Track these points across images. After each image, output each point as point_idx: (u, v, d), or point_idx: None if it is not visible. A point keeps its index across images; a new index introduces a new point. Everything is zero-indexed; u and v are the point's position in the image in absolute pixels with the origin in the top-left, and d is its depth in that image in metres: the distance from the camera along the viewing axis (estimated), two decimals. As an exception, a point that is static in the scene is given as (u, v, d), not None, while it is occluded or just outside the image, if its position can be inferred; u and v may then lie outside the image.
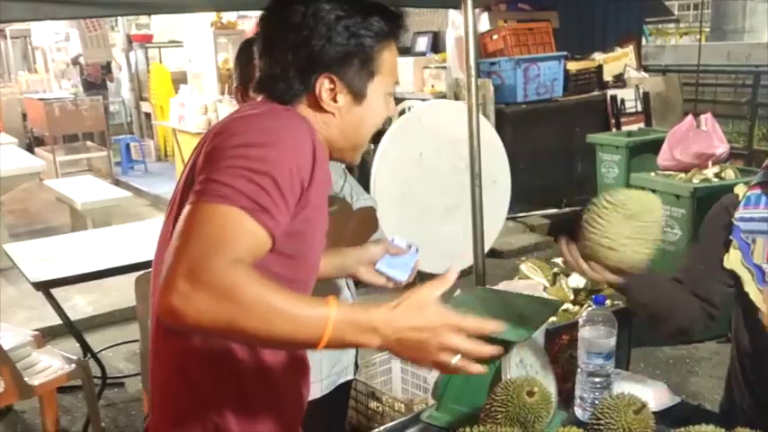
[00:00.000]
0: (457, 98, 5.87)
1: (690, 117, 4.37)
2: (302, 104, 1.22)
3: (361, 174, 6.44)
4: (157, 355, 1.26)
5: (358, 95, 1.22)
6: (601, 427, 1.32)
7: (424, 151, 4.23)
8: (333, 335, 0.96)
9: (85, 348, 3.43)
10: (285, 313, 0.95)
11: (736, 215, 1.59)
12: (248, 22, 9.05)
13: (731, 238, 1.58)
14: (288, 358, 1.27)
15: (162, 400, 1.28)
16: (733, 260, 1.57)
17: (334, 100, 1.21)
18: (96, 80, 10.70)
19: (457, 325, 1.02)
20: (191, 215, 1.01)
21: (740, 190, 1.67)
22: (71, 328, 3.39)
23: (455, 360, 1.02)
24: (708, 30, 11.34)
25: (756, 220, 1.57)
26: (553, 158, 6.28)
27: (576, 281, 2.92)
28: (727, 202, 1.66)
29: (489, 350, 1.05)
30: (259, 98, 1.26)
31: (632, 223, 1.37)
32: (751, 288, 1.56)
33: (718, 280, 1.62)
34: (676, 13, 12.29)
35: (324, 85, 1.20)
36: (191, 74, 8.38)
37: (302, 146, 1.11)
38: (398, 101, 6.71)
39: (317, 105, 1.22)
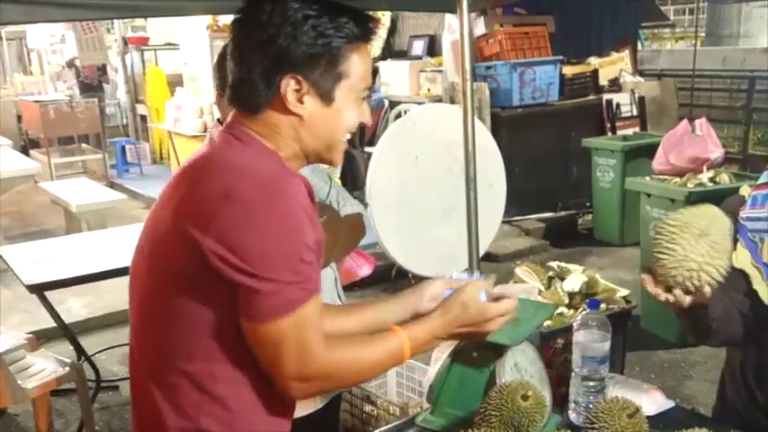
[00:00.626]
0: (453, 102, 5.89)
1: (685, 122, 4.39)
2: (269, 109, 1.18)
3: (353, 177, 6.45)
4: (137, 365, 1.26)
5: (326, 98, 1.18)
6: (594, 431, 1.32)
7: (420, 155, 4.23)
8: (409, 355, 1.22)
9: (79, 351, 3.42)
10: (373, 362, 1.20)
11: (743, 214, 1.59)
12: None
13: (738, 237, 1.57)
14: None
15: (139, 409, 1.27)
16: (742, 259, 1.57)
17: (301, 101, 1.17)
18: (92, 82, 10.69)
19: (493, 314, 1.29)
20: (266, 337, 1.09)
21: (745, 191, 1.66)
22: (65, 331, 3.38)
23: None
24: (703, 35, 11.38)
25: (763, 219, 1.57)
26: (549, 162, 6.30)
27: (571, 284, 2.91)
28: (731, 206, 1.65)
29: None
30: (230, 114, 1.23)
31: (706, 240, 1.33)
32: (760, 287, 1.55)
33: (735, 287, 1.61)
34: (672, 17, 12.35)
35: (289, 86, 1.15)
36: (186, 76, 8.38)
37: (304, 218, 1.09)
38: (394, 104, 6.74)
39: (284, 108, 1.17)
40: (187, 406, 1.16)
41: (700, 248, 1.33)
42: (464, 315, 1.27)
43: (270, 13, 1.13)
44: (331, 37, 1.15)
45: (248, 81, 1.16)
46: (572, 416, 1.56)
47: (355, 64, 1.19)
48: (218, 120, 1.90)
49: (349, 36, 1.17)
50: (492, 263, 5.43)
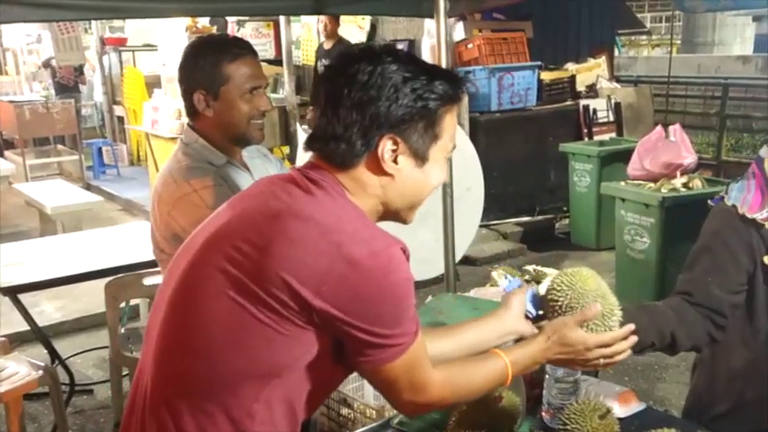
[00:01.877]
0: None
1: (659, 128, 4.46)
2: (361, 165, 1.18)
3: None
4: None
5: (420, 158, 1.19)
6: (567, 433, 1.34)
7: (399, 158, 4.25)
8: (511, 376, 1.28)
9: (53, 355, 3.39)
10: (480, 386, 1.27)
11: None
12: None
13: None
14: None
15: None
16: None
17: (395, 162, 1.18)
18: (68, 83, 10.57)
19: (591, 344, 1.31)
20: (380, 377, 1.17)
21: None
22: (38, 335, 3.34)
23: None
24: (679, 42, 11.58)
25: None
26: (526, 167, 6.35)
27: (546, 288, 2.94)
28: (734, 209, 1.63)
29: (623, 354, 1.34)
30: (311, 159, 1.22)
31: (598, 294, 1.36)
32: None
33: (728, 290, 1.63)
34: (648, 25, 12.53)
35: (387, 146, 1.16)
36: (164, 78, 8.31)
37: (410, 283, 1.14)
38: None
39: (376, 167, 1.18)
40: None
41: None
42: (564, 343, 1.31)
43: (370, 74, 1.14)
44: (428, 99, 1.17)
45: (344, 138, 1.15)
46: (546, 418, 1.58)
47: (447, 124, 1.21)
48: (189, 124, 1.89)
49: (444, 97, 1.18)
50: (469, 266, 5.46)
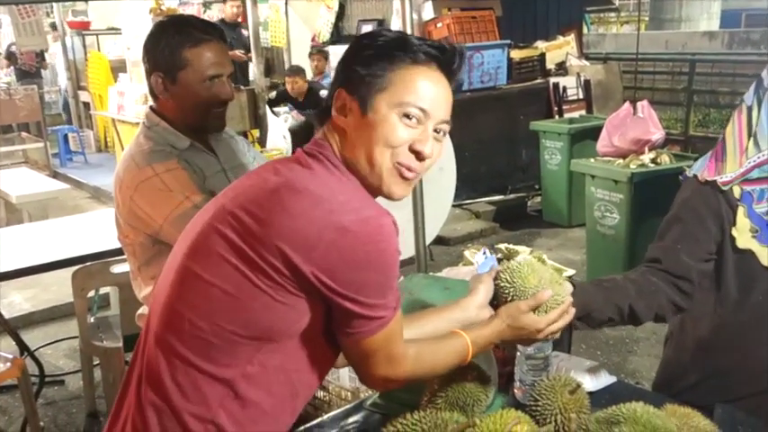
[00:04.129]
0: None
1: (627, 104, 4.49)
2: (328, 126, 1.25)
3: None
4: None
5: (364, 107, 1.20)
6: (538, 408, 1.35)
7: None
8: (472, 353, 1.33)
9: (22, 346, 3.33)
10: (445, 361, 1.31)
11: (759, 209, 1.60)
12: (190, 8, 8.87)
13: (748, 217, 1.61)
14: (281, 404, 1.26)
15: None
16: (747, 240, 1.61)
17: (344, 114, 1.21)
18: (30, 69, 10.32)
19: (542, 326, 1.36)
20: (360, 350, 1.20)
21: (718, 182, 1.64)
22: (5, 326, 3.28)
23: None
24: (647, 19, 11.65)
25: None
26: (498, 146, 6.37)
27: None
28: (704, 182, 1.65)
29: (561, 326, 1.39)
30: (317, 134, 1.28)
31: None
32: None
33: (697, 258, 1.66)
34: (617, 2, 12.56)
35: (339, 98, 1.22)
36: (130, 62, 8.16)
37: (397, 255, 1.17)
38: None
39: (335, 124, 1.23)
40: (210, 395, 1.16)
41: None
42: (518, 325, 1.36)
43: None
44: (376, 57, 1.20)
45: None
46: (518, 394, 1.59)
47: (399, 80, 1.20)
48: (151, 107, 1.85)
49: (390, 56, 1.20)
50: (443, 246, 5.48)
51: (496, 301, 1.41)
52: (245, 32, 7.15)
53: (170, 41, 1.75)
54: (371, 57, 1.20)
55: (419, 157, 1.21)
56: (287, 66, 8.65)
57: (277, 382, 1.20)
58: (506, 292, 1.38)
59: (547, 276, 1.39)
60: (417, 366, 1.26)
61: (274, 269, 1.11)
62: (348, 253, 1.11)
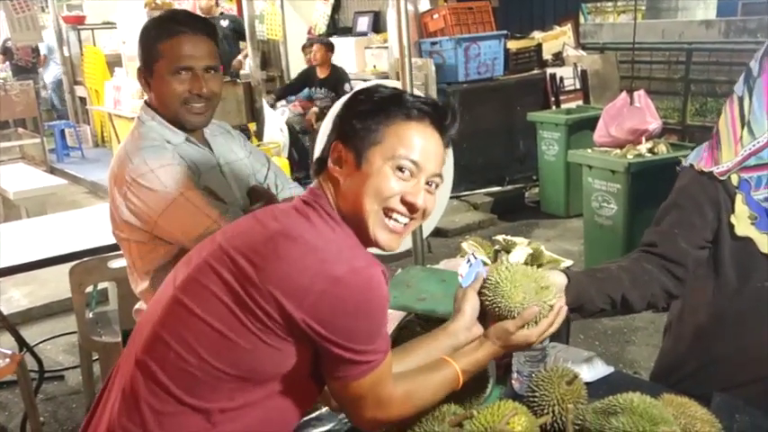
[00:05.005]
0: (399, 78, 5.87)
1: (624, 94, 4.48)
2: (323, 176, 1.28)
3: (302, 156, 6.40)
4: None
5: (358, 159, 1.24)
6: (536, 399, 1.35)
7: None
8: (462, 380, 1.33)
9: (21, 342, 3.33)
10: (434, 394, 1.30)
11: (757, 196, 1.61)
12: (185, 3, 8.83)
13: (746, 204, 1.62)
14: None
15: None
16: (746, 228, 1.62)
17: (340, 165, 1.25)
18: (26, 65, 10.28)
19: (534, 339, 1.36)
20: (348, 393, 1.22)
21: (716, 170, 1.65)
22: (3, 322, 3.28)
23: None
24: (643, 8, 11.60)
25: None
26: (495, 137, 6.36)
27: (517, 257, 2.96)
28: (701, 172, 1.68)
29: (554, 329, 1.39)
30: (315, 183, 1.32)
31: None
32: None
33: (694, 244, 1.66)
34: (613, -9, 12.50)
35: (334, 150, 1.26)
36: (125, 56, 8.13)
37: (386, 304, 1.21)
38: (347, 78, 6.68)
39: (331, 174, 1.27)
40: (185, 426, 1.19)
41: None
42: (509, 342, 1.36)
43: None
44: (370, 114, 1.25)
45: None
46: (515, 386, 1.60)
47: (393, 134, 1.23)
48: (145, 101, 1.85)
49: (385, 112, 1.25)
50: (441, 238, 5.48)
51: (484, 317, 1.39)
52: (223, 23, 7.13)
53: (149, 35, 1.76)
54: (368, 111, 1.25)
55: (411, 209, 1.25)
56: (283, 59, 8.63)
57: (254, 418, 1.22)
58: (492, 308, 1.36)
59: (532, 288, 1.36)
60: (408, 405, 1.27)
61: (265, 313, 1.14)
62: (339, 302, 1.14)
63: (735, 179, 1.63)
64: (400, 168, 1.23)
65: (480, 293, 1.38)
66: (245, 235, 1.23)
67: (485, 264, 1.57)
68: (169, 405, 1.19)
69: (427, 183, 1.27)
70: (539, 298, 1.35)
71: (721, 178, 1.64)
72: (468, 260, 1.48)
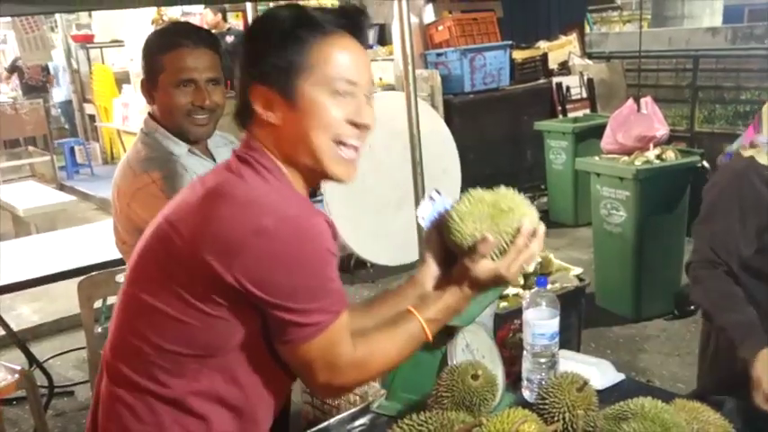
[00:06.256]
0: (405, 90, 5.87)
1: (630, 101, 4.47)
2: (255, 126, 1.17)
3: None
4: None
5: (290, 98, 1.12)
6: (546, 407, 1.34)
7: (374, 144, 4.20)
8: (431, 331, 1.22)
9: (30, 358, 3.34)
10: (399, 350, 1.21)
11: None
12: (192, 19, 8.90)
13: None
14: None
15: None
16: None
17: (270, 109, 1.14)
18: (36, 83, 10.37)
19: (504, 267, 1.21)
20: (297, 358, 1.13)
21: (753, 153, 1.76)
22: (13, 338, 3.29)
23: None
24: (649, 17, 11.60)
25: None
26: (502, 147, 6.34)
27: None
28: (740, 166, 1.76)
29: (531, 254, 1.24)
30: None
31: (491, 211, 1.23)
32: None
33: (739, 252, 1.74)
34: (619, 1, 12.53)
35: (257, 95, 1.14)
36: (133, 73, 8.20)
37: (328, 256, 1.10)
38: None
39: (261, 122, 1.15)
40: (164, 416, 1.15)
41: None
42: (474, 281, 1.23)
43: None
44: (289, 37, 1.12)
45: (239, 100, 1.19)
46: (525, 393, 1.58)
47: (323, 55, 1.12)
48: (149, 113, 1.86)
49: (306, 28, 1.13)
50: (450, 249, 5.45)
51: (450, 258, 1.25)
52: (229, 39, 7.18)
53: (152, 47, 1.77)
54: (280, 43, 1.12)
55: (360, 129, 1.16)
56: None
57: (231, 396, 1.17)
58: (452, 247, 1.23)
59: (486, 214, 1.20)
60: (369, 368, 1.18)
61: (203, 283, 1.08)
62: (268, 256, 1.05)
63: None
64: (340, 92, 1.13)
65: (440, 233, 1.26)
66: (177, 204, 1.15)
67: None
68: (141, 399, 1.15)
69: (368, 97, 1.17)
70: (495, 224, 1.19)
71: (761, 161, 1.69)
72: (431, 197, 1.29)
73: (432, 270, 1.29)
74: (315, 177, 1.19)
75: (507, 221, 1.20)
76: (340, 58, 1.13)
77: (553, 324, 1.53)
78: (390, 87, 6.24)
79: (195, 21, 8.49)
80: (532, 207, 1.24)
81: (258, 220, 1.05)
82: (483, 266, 1.20)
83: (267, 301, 1.08)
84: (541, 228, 1.23)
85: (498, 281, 1.23)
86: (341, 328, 1.14)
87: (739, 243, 1.75)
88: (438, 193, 1.28)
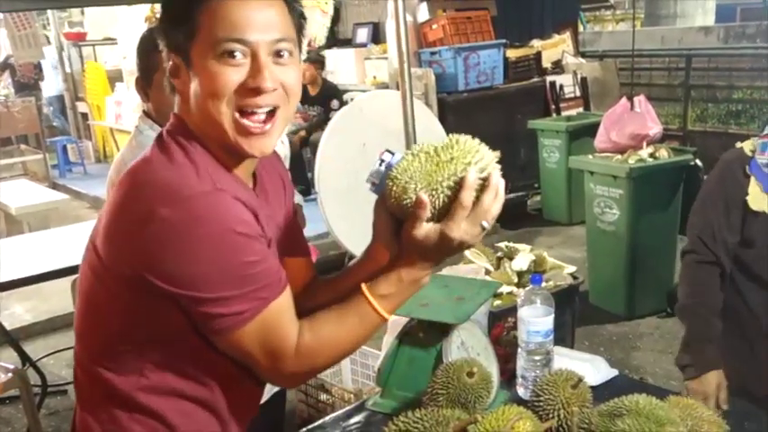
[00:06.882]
0: (399, 88, 5.87)
1: (624, 99, 4.48)
2: (178, 97, 1.10)
3: (299, 168, 6.39)
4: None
5: (187, 63, 1.04)
6: (541, 404, 1.34)
7: (367, 142, 4.23)
8: (386, 310, 1.10)
9: (23, 357, 3.32)
10: (356, 333, 1.10)
11: (761, 160, 1.70)
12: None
13: (758, 182, 1.69)
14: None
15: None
16: (760, 201, 1.69)
17: (177, 75, 1.07)
18: (29, 81, 10.33)
19: (454, 233, 1.03)
20: (230, 348, 1.06)
21: (747, 145, 1.80)
22: (6, 337, 3.27)
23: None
24: (642, 16, 11.64)
25: None
26: (496, 145, 6.10)
27: (520, 264, 2.96)
28: (730, 158, 1.80)
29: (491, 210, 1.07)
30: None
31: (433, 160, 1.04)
32: None
33: (723, 239, 1.78)
34: (612, 0, 12.56)
35: (168, 59, 1.08)
36: (126, 71, 8.18)
37: (232, 237, 0.98)
38: (341, 92, 6.71)
39: (178, 91, 1.09)
40: (117, 412, 1.12)
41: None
42: (424, 249, 1.06)
43: None
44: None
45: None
46: (520, 391, 1.58)
47: (205, 18, 1.01)
48: (144, 111, 1.86)
49: None
50: (444, 247, 5.46)
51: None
52: None
53: (147, 45, 1.77)
54: (178, 4, 1.04)
55: (260, 93, 1.02)
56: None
57: (187, 389, 1.12)
58: (394, 210, 1.07)
59: (426, 169, 1.02)
60: (320, 354, 1.09)
61: (119, 277, 1.02)
62: (158, 243, 0.96)
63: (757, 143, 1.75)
64: (228, 54, 1.00)
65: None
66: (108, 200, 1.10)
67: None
68: (101, 407, 1.12)
69: (277, 53, 1.03)
70: (432, 179, 1.01)
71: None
72: (382, 159, 1.09)
73: (384, 240, 1.12)
74: (232, 151, 1.07)
75: (447, 174, 1.01)
76: (229, 13, 1.00)
77: (548, 321, 1.53)
78: (384, 86, 6.24)
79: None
80: (484, 152, 1.04)
81: (147, 206, 0.97)
82: (425, 231, 1.03)
83: (177, 293, 0.99)
84: (496, 176, 1.05)
85: (452, 245, 1.04)
86: (276, 314, 1.04)
87: (724, 232, 1.81)
88: (391, 153, 1.09)
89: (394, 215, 1.09)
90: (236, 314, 1.01)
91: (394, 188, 1.03)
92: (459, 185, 1.01)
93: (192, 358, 1.10)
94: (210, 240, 0.97)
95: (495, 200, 1.06)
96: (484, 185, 1.04)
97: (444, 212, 1.03)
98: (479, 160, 1.03)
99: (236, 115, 1.03)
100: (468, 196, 1.02)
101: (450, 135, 1.06)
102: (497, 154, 1.07)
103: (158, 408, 1.11)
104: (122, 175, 1.08)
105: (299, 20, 1.08)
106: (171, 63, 1.07)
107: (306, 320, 1.09)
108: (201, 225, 0.96)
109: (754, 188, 1.72)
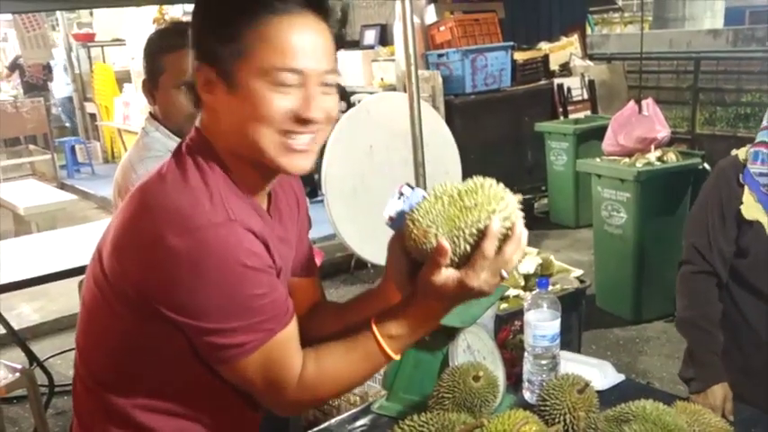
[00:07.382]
0: (406, 90, 5.87)
1: (632, 103, 4.46)
2: (203, 111, 1.07)
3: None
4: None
5: (229, 82, 1.00)
6: (547, 408, 1.34)
7: (374, 144, 4.22)
8: (393, 351, 1.07)
9: (31, 357, 3.34)
10: (351, 370, 1.08)
11: (754, 170, 1.69)
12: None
13: (750, 192, 1.68)
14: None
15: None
16: (752, 211, 1.68)
17: (210, 91, 1.02)
18: (38, 81, 10.39)
19: (473, 282, 1.01)
20: (232, 377, 1.05)
21: (742, 152, 1.80)
22: (14, 337, 3.29)
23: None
24: (650, 18, 11.61)
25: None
26: (503, 148, 6.34)
27: (526, 267, 2.95)
28: (725, 165, 1.80)
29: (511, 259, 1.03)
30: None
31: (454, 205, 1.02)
32: None
33: (719, 248, 1.79)
34: (620, 2, 12.54)
35: (200, 74, 1.03)
36: (134, 72, 8.21)
37: (241, 271, 0.97)
38: (348, 94, 6.71)
39: (208, 106, 1.05)
40: (113, 428, 1.13)
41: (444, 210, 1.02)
42: (446, 299, 1.05)
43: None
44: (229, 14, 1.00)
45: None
46: (526, 395, 1.58)
47: (258, 39, 0.98)
48: (150, 113, 1.86)
49: (248, 10, 0.99)
50: (450, 249, 5.45)
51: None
52: None
53: (153, 47, 1.78)
54: (224, 17, 0.99)
55: (309, 124, 1.02)
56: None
57: (183, 408, 1.12)
58: (413, 252, 1.04)
59: (448, 214, 1.00)
60: (321, 388, 1.08)
61: (122, 295, 1.02)
62: (171, 273, 0.95)
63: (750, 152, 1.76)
64: (280, 83, 0.98)
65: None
66: (116, 216, 1.08)
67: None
68: (97, 423, 1.12)
69: (323, 84, 1.02)
70: (454, 225, 0.99)
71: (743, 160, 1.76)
72: (401, 192, 1.07)
73: (397, 281, 1.12)
74: (265, 169, 1.05)
75: (470, 221, 0.99)
76: (287, 41, 0.98)
77: (554, 326, 1.53)
78: (392, 88, 6.24)
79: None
80: (509, 200, 1.02)
81: (156, 231, 0.96)
82: (443, 277, 1.00)
83: (182, 321, 0.99)
84: (519, 226, 1.01)
85: (470, 293, 1.02)
86: (281, 345, 1.03)
87: (720, 240, 1.80)
88: (411, 187, 1.08)
89: (410, 255, 1.07)
90: (241, 345, 1.00)
91: (414, 231, 1.01)
92: (482, 234, 0.99)
93: (192, 381, 1.10)
94: (218, 272, 0.96)
95: (517, 250, 1.03)
96: (507, 235, 1.01)
97: (465, 259, 1.00)
98: (504, 209, 1.00)
99: (280, 137, 1.01)
100: (490, 246, 0.99)
101: (475, 178, 1.04)
102: (519, 197, 1.05)
103: (155, 426, 1.11)
104: (134, 189, 1.06)
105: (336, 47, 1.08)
106: (203, 77, 1.02)
107: (312, 351, 1.07)
108: (210, 257, 0.95)
109: (747, 197, 1.72)
